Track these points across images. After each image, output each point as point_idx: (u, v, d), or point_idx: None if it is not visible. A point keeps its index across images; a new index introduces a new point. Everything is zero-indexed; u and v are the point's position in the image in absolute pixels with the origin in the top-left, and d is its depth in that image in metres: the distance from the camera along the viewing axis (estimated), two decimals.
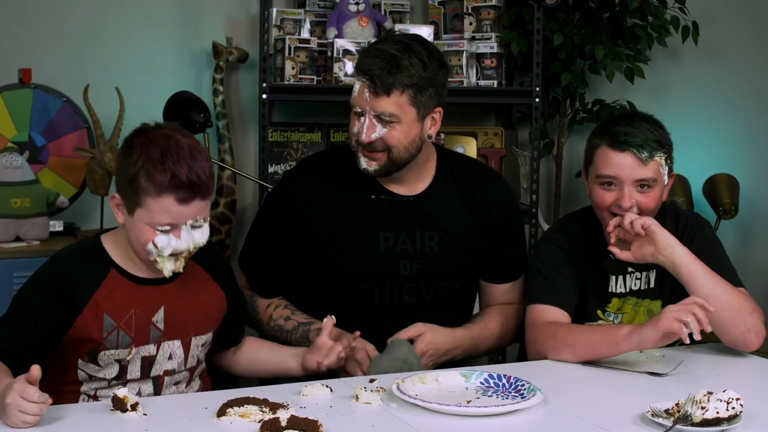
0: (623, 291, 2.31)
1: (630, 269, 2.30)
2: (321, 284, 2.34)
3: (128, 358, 1.96)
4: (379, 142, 2.21)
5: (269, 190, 3.05)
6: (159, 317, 1.97)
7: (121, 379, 1.97)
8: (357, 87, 2.22)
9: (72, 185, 3.25)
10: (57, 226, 3.12)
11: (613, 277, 2.30)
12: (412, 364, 2.13)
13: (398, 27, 3.40)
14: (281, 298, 2.40)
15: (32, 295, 1.92)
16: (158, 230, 1.87)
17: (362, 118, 2.22)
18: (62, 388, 1.96)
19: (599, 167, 2.22)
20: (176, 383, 2.04)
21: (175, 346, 2.00)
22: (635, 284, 2.31)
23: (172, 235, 1.88)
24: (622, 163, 2.19)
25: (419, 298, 2.33)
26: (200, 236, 1.92)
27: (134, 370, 1.98)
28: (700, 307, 1.98)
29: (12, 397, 1.64)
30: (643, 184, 2.19)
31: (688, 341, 1.97)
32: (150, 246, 1.88)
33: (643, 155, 2.18)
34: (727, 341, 2.17)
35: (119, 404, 1.74)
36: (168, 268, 1.91)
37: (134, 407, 1.74)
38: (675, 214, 2.34)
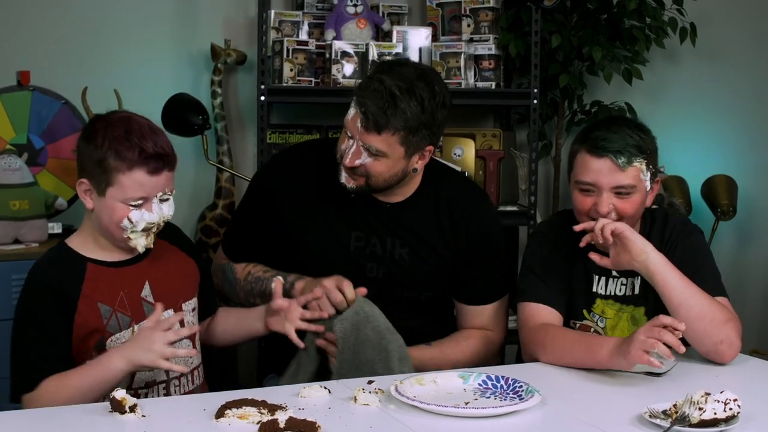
0: (603, 293, 2.30)
1: (614, 273, 2.28)
2: (291, 271, 2.32)
3: None
4: (361, 168, 2.20)
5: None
6: (146, 292, 2.07)
7: None
8: (351, 112, 2.19)
9: (70, 187, 3.24)
10: (55, 228, 3.12)
11: (596, 277, 2.29)
12: (367, 313, 2.12)
13: (396, 29, 3.40)
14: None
15: (31, 313, 1.98)
16: (131, 205, 1.97)
17: (351, 141, 2.20)
18: None
19: (578, 173, 2.20)
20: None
21: (169, 315, 2.06)
22: (620, 290, 2.29)
23: (144, 209, 1.98)
24: (600, 170, 2.16)
25: (380, 303, 2.21)
26: (168, 209, 2.03)
27: None
28: (669, 329, 1.93)
29: (148, 331, 1.89)
30: (621, 191, 2.16)
31: (661, 367, 1.94)
32: (125, 222, 1.97)
33: (620, 161, 2.14)
34: (701, 351, 2.13)
35: (117, 406, 1.74)
36: (141, 243, 2.01)
37: (132, 409, 1.74)
38: (663, 220, 2.31)
